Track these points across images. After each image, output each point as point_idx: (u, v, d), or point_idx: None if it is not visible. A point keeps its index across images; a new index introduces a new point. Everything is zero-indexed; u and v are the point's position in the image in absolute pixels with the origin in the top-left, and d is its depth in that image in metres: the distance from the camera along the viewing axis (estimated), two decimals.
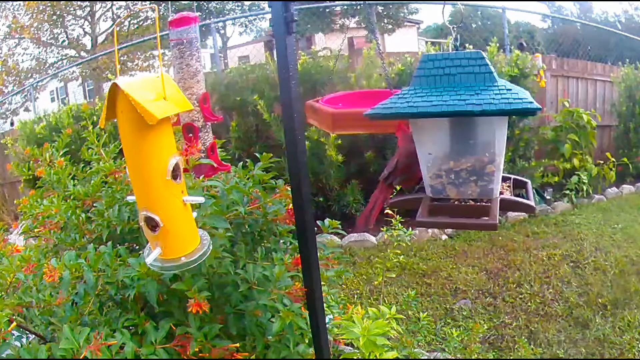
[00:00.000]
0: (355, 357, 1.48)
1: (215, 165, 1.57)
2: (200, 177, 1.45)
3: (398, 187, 1.38)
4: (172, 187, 0.93)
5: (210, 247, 1.03)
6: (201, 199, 1.02)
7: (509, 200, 1.18)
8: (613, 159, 5.36)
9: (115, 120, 0.89)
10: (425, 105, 1.03)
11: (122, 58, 12.68)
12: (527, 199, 1.21)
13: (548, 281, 3.37)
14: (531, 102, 0.97)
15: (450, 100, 1.02)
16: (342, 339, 1.60)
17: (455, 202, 1.17)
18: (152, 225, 0.94)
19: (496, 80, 1.04)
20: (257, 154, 1.47)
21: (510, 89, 1.02)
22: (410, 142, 1.26)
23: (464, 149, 1.12)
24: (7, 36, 13.75)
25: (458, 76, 1.06)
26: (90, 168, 1.66)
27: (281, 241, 1.51)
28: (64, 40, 14.73)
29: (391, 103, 1.08)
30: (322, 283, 1.39)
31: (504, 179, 1.25)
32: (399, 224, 2.32)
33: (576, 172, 5.03)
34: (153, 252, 0.95)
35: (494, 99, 1.00)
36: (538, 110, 0.96)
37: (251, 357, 1.28)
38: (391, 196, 1.35)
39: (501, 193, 1.18)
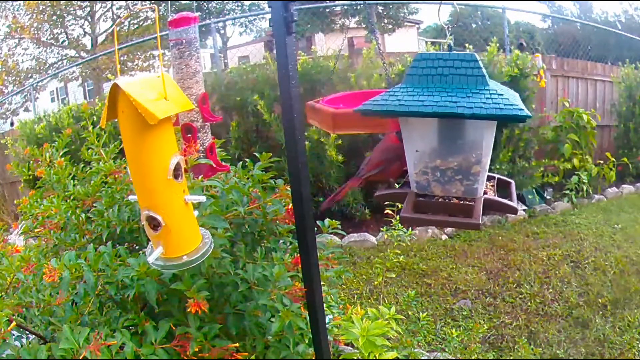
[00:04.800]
0: (355, 357, 1.48)
1: (214, 165, 1.57)
2: (199, 177, 1.45)
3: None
4: (173, 186, 0.93)
5: (212, 246, 1.03)
6: (202, 198, 1.02)
7: (492, 200, 1.19)
8: (613, 159, 5.36)
9: (115, 120, 0.89)
10: (416, 105, 1.04)
11: (122, 58, 12.68)
12: (511, 199, 1.22)
13: (548, 281, 3.37)
14: (521, 109, 0.98)
15: (442, 101, 1.02)
16: (342, 339, 1.59)
17: (440, 200, 1.18)
18: (154, 224, 0.94)
19: (488, 84, 1.04)
20: (256, 154, 1.47)
21: (501, 94, 1.02)
22: (389, 139, 1.28)
23: (451, 149, 1.13)
24: (7, 36, 13.74)
25: (450, 77, 1.07)
26: (90, 168, 1.66)
27: (281, 241, 1.51)
28: (64, 40, 14.72)
29: (382, 100, 1.08)
30: (322, 283, 1.39)
31: (488, 178, 1.26)
32: (399, 224, 2.32)
33: (576, 172, 5.03)
34: (155, 251, 0.95)
35: (485, 103, 1.00)
36: (528, 118, 0.97)
37: (251, 357, 1.28)
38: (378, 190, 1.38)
39: (485, 193, 1.19)
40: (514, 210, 1.19)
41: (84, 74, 14.64)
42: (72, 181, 1.65)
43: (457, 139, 1.12)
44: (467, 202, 1.15)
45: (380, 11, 16.16)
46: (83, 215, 1.49)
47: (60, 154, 1.71)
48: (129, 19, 13.62)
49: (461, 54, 1.07)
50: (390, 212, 2.20)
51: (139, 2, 14.76)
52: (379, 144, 1.37)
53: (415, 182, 1.20)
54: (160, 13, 1.29)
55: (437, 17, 1.19)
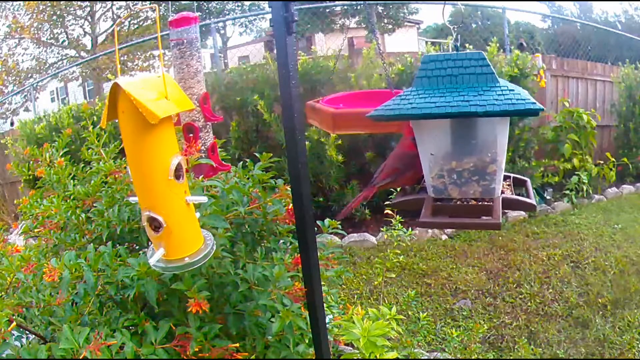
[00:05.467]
0: (355, 358, 1.48)
1: (215, 165, 1.57)
2: (200, 177, 1.45)
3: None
4: (174, 187, 0.93)
5: (214, 248, 1.02)
6: (204, 199, 1.02)
7: (510, 199, 1.18)
8: (613, 159, 5.36)
9: (115, 120, 0.89)
10: (428, 107, 1.04)
11: (122, 58, 12.67)
12: (528, 197, 1.21)
13: (548, 281, 3.37)
14: (534, 103, 0.98)
15: (454, 101, 1.02)
16: (342, 339, 1.59)
17: (458, 202, 1.17)
18: (155, 225, 0.93)
19: (498, 81, 1.04)
20: (257, 154, 1.47)
21: (512, 90, 1.02)
22: (404, 146, 1.28)
23: (466, 149, 1.13)
24: (7, 36, 13.73)
25: (460, 77, 1.06)
26: (90, 168, 1.66)
27: (281, 241, 1.51)
28: (64, 40, 14.72)
29: (394, 104, 1.08)
30: (322, 283, 1.39)
31: (504, 178, 1.25)
32: (399, 224, 2.32)
33: (576, 172, 5.03)
34: (156, 252, 0.95)
35: (497, 99, 1.00)
36: (540, 111, 0.97)
37: (251, 357, 1.28)
38: (391, 197, 1.37)
39: (502, 192, 1.19)
40: (533, 207, 1.19)
41: (84, 74, 14.63)
42: (72, 181, 1.65)
43: (471, 139, 1.12)
44: (486, 203, 1.15)
45: (380, 11, 16.15)
46: (83, 215, 1.49)
47: (60, 154, 1.71)
48: (129, 19, 13.62)
49: (469, 53, 1.07)
50: (390, 212, 2.20)
51: (139, 2, 14.76)
52: (394, 151, 1.36)
53: (432, 187, 1.19)
54: (161, 13, 1.29)
55: (442, 16, 1.18)
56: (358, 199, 1.42)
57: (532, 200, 1.19)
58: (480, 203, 1.15)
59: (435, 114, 1.03)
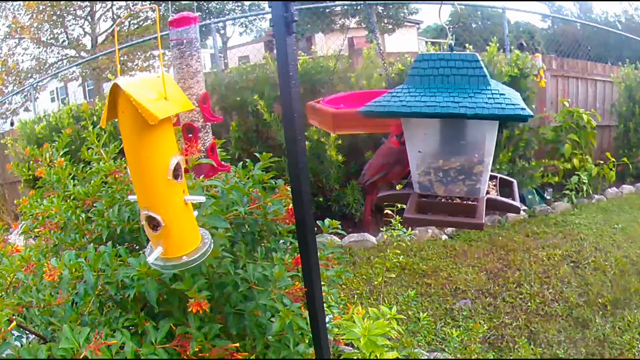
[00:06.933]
0: (355, 357, 1.48)
1: (215, 165, 1.57)
2: (200, 177, 1.45)
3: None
4: (173, 186, 0.93)
5: (212, 246, 1.02)
6: (202, 199, 1.02)
7: (495, 200, 1.19)
8: (613, 159, 5.36)
9: (115, 120, 0.89)
10: (418, 105, 1.04)
11: (122, 58, 12.67)
12: (513, 199, 1.22)
13: (548, 281, 3.37)
14: (523, 109, 0.98)
15: (444, 102, 1.03)
16: (343, 339, 1.60)
17: (442, 200, 1.18)
18: (154, 224, 0.94)
19: (489, 84, 1.04)
20: (257, 154, 1.47)
21: (503, 94, 1.02)
22: (390, 142, 1.29)
23: (454, 149, 1.14)
24: (7, 36, 13.74)
25: (452, 77, 1.07)
26: (90, 168, 1.66)
27: (281, 241, 1.51)
28: (64, 40, 14.73)
29: (385, 101, 1.08)
30: (322, 283, 1.40)
31: (491, 178, 1.26)
32: (399, 224, 2.32)
33: (576, 172, 5.03)
34: (154, 251, 0.95)
35: (486, 102, 1.00)
36: (529, 117, 0.97)
37: (251, 357, 1.28)
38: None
39: (487, 192, 1.19)
40: (517, 210, 1.20)
41: (84, 74, 14.64)
42: (72, 181, 1.65)
43: (460, 139, 1.12)
44: (470, 202, 1.15)
45: (380, 11, 16.15)
46: (83, 215, 1.49)
47: (60, 154, 1.71)
48: (129, 19, 13.62)
49: (462, 54, 1.07)
50: (390, 212, 2.21)
51: (139, 2, 14.77)
52: (380, 148, 1.37)
53: (417, 183, 1.19)
54: (161, 13, 1.29)
55: (438, 17, 1.19)
56: (367, 208, 1.44)
57: (517, 202, 1.20)
58: (465, 202, 1.16)
59: (424, 113, 1.03)
